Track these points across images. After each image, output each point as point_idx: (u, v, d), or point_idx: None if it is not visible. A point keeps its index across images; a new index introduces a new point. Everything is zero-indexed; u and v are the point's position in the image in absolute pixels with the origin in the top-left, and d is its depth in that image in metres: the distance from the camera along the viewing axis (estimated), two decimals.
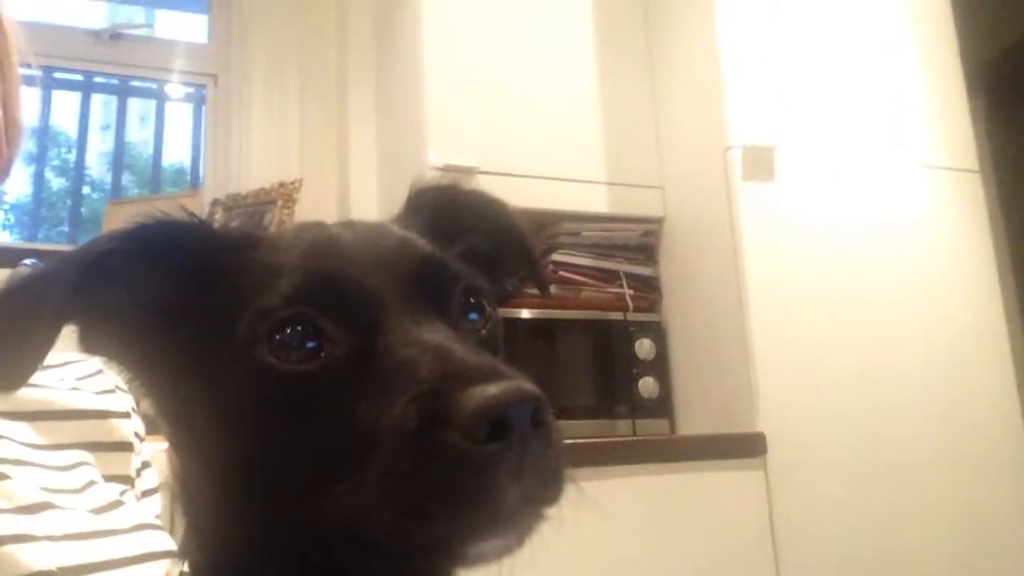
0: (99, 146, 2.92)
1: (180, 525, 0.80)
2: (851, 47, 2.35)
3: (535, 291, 0.72)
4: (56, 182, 2.88)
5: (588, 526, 1.82)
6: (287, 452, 0.45)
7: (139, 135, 2.97)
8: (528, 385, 0.42)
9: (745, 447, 1.97)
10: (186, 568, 0.55)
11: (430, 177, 0.64)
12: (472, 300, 0.54)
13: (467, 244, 0.60)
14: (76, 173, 2.83)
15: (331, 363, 0.46)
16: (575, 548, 1.74)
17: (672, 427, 2.29)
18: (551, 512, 0.45)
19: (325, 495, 0.43)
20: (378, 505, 0.41)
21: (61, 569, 0.65)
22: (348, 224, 0.55)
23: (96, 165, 2.93)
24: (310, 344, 0.46)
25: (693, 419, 2.26)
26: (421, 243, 0.54)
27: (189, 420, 0.51)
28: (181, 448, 0.54)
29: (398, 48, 2.45)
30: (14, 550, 0.63)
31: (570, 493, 0.46)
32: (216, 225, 0.57)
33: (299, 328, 0.46)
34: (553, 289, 2.27)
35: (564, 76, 2.36)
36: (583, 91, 2.37)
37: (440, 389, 0.42)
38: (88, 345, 0.52)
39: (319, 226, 0.54)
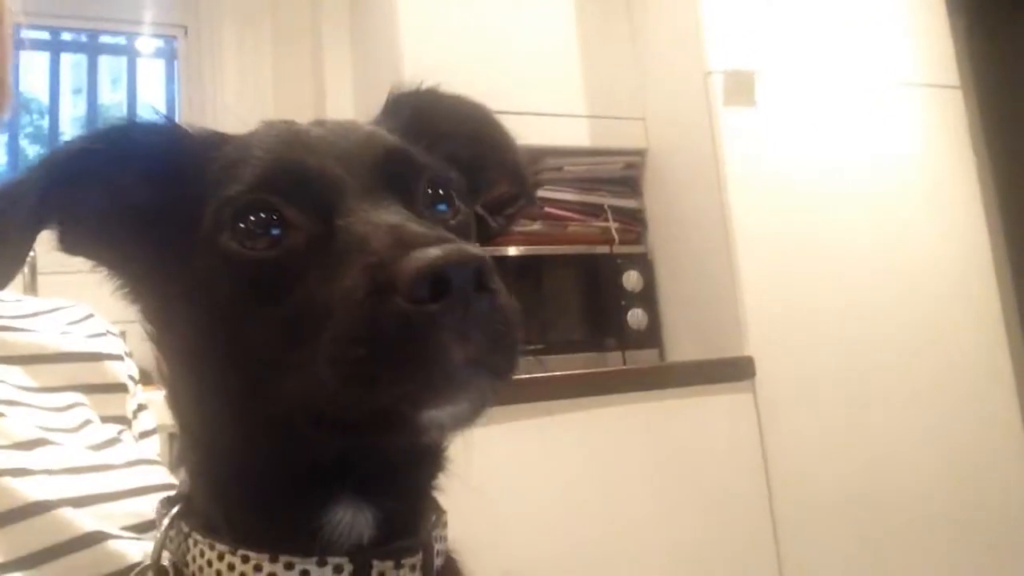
0: (72, 110, 2.87)
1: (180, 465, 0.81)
2: None
3: (519, 200, 0.71)
4: (31, 149, 2.84)
5: (582, 456, 1.85)
6: (254, 336, 0.46)
7: (112, 97, 2.92)
8: (471, 248, 0.41)
9: (734, 371, 1.98)
10: (183, 475, 0.56)
11: (409, 80, 0.61)
12: (440, 191, 0.53)
13: (447, 150, 0.59)
14: (51, 139, 2.79)
15: (292, 247, 0.47)
16: (569, 477, 1.77)
17: (662, 357, 2.30)
18: (505, 381, 0.45)
19: (287, 373, 0.44)
20: (328, 375, 0.42)
21: (60, 500, 0.65)
22: (318, 122, 0.55)
23: (70, 129, 2.89)
24: (273, 230, 0.47)
25: (682, 348, 2.28)
26: (387, 136, 0.54)
27: (168, 318, 0.52)
28: (164, 349, 0.54)
29: None
30: (11, 482, 0.63)
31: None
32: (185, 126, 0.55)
33: (261, 215, 0.47)
34: (538, 225, 2.27)
35: (541, 10, 2.32)
36: (561, 24, 2.34)
37: (388, 258, 0.42)
38: (67, 246, 0.52)
39: (287, 123, 0.54)
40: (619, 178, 2.40)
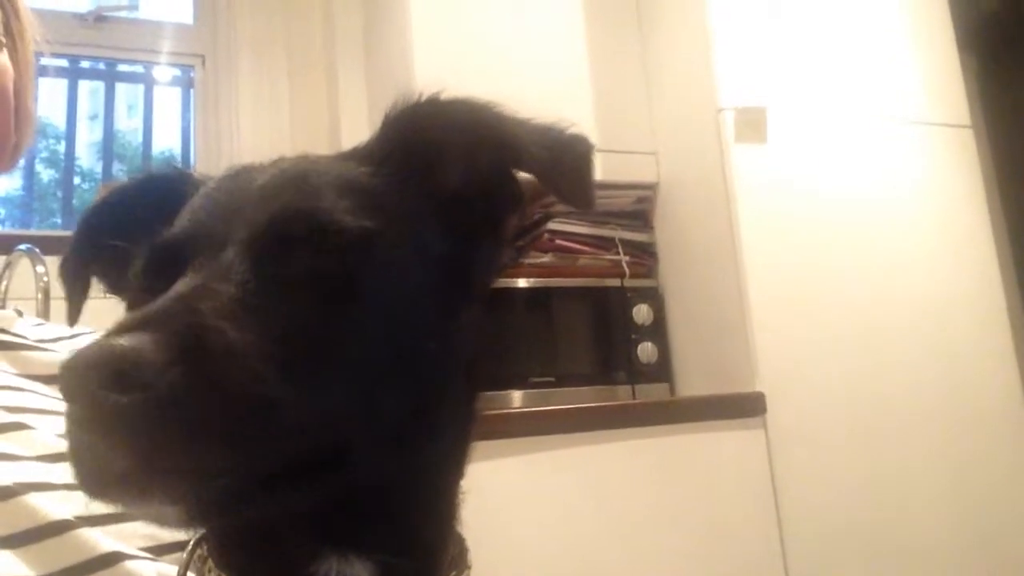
0: (88, 136, 2.90)
1: None
2: (840, 6, 2.34)
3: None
4: (46, 174, 2.87)
5: (592, 490, 1.83)
6: None
7: (128, 123, 2.95)
8: (110, 346, 0.38)
9: (745, 407, 1.97)
10: None
11: (407, 94, 0.54)
12: (314, 241, 0.46)
13: (461, 165, 0.53)
14: (66, 164, 2.81)
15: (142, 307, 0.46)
16: (578, 511, 1.76)
17: (672, 391, 2.29)
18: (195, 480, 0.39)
19: None
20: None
21: (79, 518, 0.65)
22: (276, 162, 0.54)
23: (86, 155, 2.91)
24: (156, 287, 0.47)
25: (693, 382, 2.27)
26: (270, 196, 0.49)
27: None
28: None
29: (386, 22, 2.43)
30: (31, 499, 0.63)
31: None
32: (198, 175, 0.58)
33: (146, 277, 0.49)
34: (549, 257, 2.27)
35: (553, 43, 2.34)
36: (573, 59, 2.36)
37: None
38: (113, 291, 0.58)
39: (234, 172, 0.54)
40: (630, 212, 2.40)
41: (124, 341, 0.38)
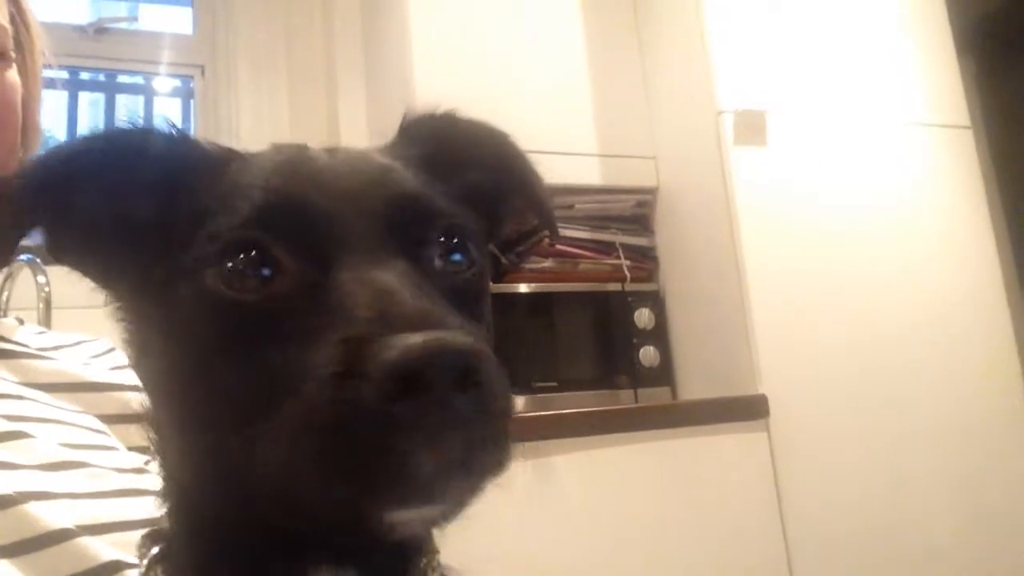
0: None
1: None
2: (838, 8, 2.35)
3: (536, 234, 0.67)
4: None
5: (595, 495, 1.84)
6: (223, 385, 0.42)
7: None
8: (459, 338, 0.37)
9: (747, 410, 1.97)
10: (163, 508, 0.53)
11: (425, 104, 0.57)
12: (455, 241, 0.49)
13: (466, 180, 0.55)
14: None
15: (277, 294, 0.43)
16: (580, 515, 1.75)
17: (674, 395, 2.29)
18: (490, 483, 0.41)
19: (248, 436, 0.40)
20: (285, 454, 0.38)
21: (80, 527, 0.65)
22: (331, 149, 0.51)
23: None
24: (263, 272, 0.43)
25: (695, 386, 2.27)
26: (404, 174, 0.49)
27: (145, 344, 0.50)
28: (142, 375, 0.52)
29: (386, 30, 2.44)
30: (32, 508, 0.63)
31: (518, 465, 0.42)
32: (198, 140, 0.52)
33: (250, 254, 0.43)
34: (550, 262, 2.27)
35: (552, 49, 2.35)
36: (572, 63, 2.37)
37: (368, 335, 0.37)
38: (54, 250, 0.50)
39: (298, 148, 0.50)
40: (630, 216, 2.41)
41: (462, 340, 0.37)
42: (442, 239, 0.48)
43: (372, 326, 0.38)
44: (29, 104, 0.83)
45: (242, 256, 0.43)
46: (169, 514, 0.51)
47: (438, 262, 0.47)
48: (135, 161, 0.48)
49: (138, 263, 0.48)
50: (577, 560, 1.73)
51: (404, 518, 0.39)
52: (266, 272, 0.43)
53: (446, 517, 0.42)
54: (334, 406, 0.37)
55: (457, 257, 0.49)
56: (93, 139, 0.49)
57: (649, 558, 1.80)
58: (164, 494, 0.52)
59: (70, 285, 0.52)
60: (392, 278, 0.42)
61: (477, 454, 0.38)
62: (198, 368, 0.44)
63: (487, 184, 0.57)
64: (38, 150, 0.87)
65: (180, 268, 0.44)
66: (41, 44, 0.86)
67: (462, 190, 0.53)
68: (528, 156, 0.59)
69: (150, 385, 0.50)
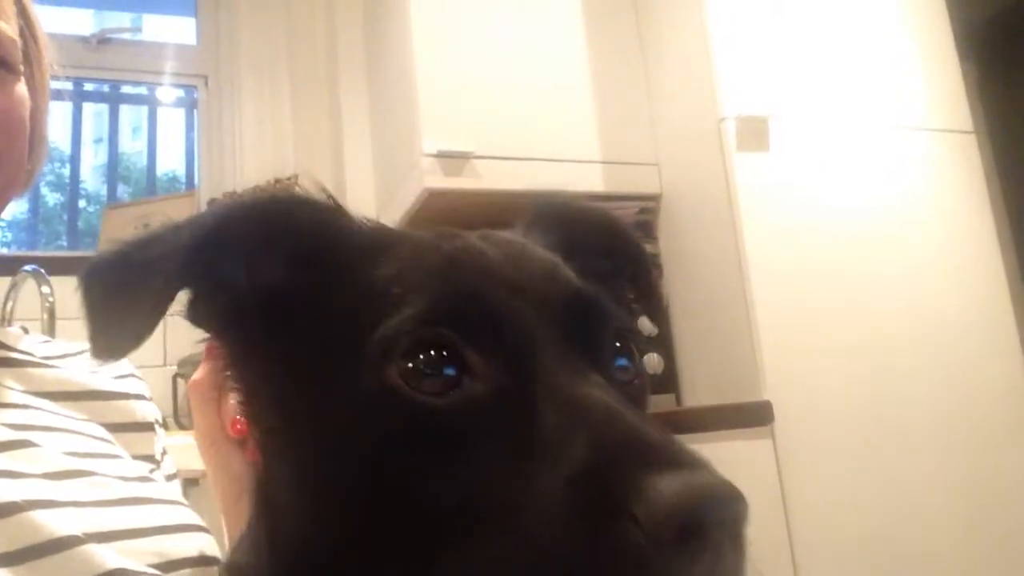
0: (93, 159, 2.92)
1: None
2: (840, 14, 2.35)
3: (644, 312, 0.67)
4: (52, 197, 2.89)
5: None
6: (401, 490, 0.39)
7: (132, 146, 2.97)
8: (731, 484, 0.34)
9: (752, 416, 1.96)
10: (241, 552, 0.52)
11: (549, 192, 0.58)
12: (621, 344, 0.47)
13: (588, 263, 0.53)
14: (71, 187, 2.83)
15: (471, 399, 0.39)
16: None
17: (678, 401, 2.29)
18: None
19: (437, 555, 0.37)
20: None
21: (86, 535, 0.65)
22: (486, 236, 0.48)
23: (91, 178, 2.93)
24: (448, 371, 0.40)
25: (699, 392, 2.26)
26: (571, 273, 0.47)
27: (289, 423, 0.46)
28: (270, 448, 0.49)
29: (388, 37, 2.45)
30: (37, 515, 0.63)
31: None
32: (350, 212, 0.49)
33: (438, 352, 0.40)
34: None
35: (554, 57, 2.36)
36: (574, 71, 2.37)
37: (613, 467, 0.34)
38: (195, 315, 0.48)
39: (459, 235, 0.48)
40: (634, 223, 2.40)
41: (733, 485, 0.34)
42: (612, 342, 0.46)
43: (614, 458, 0.35)
44: (37, 117, 0.83)
45: (426, 354, 0.40)
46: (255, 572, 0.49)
47: (608, 367, 0.45)
48: (284, 231, 0.47)
49: (284, 341, 0.46)
50: None
51: None
52: (450, 372, 0.40)
53: None
54: (594, 548, 0.33)
55: (624, 362, 0.47)
56: (246, 206, 0.47)
57: None
58: (254, 557, 0.50)
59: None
60: (602, 394, 0.39)
61: None
62: (372, 469, 0.40)
63: (602, 266, 0.56)
64: (45, 162, 0.87)
65: (349, 359, 0.41)
66: (49, 57, 0.87)
67: (584, 272, 0.51)
68: (643, 244, 0.62)
69: (287, 466, 0.46)
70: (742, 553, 0.36)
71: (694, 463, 0.34)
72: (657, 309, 0.59)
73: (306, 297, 0.45)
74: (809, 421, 2.00)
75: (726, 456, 1.58)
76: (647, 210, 2.40)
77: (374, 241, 0.47)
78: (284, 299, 0.46)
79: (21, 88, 0.80)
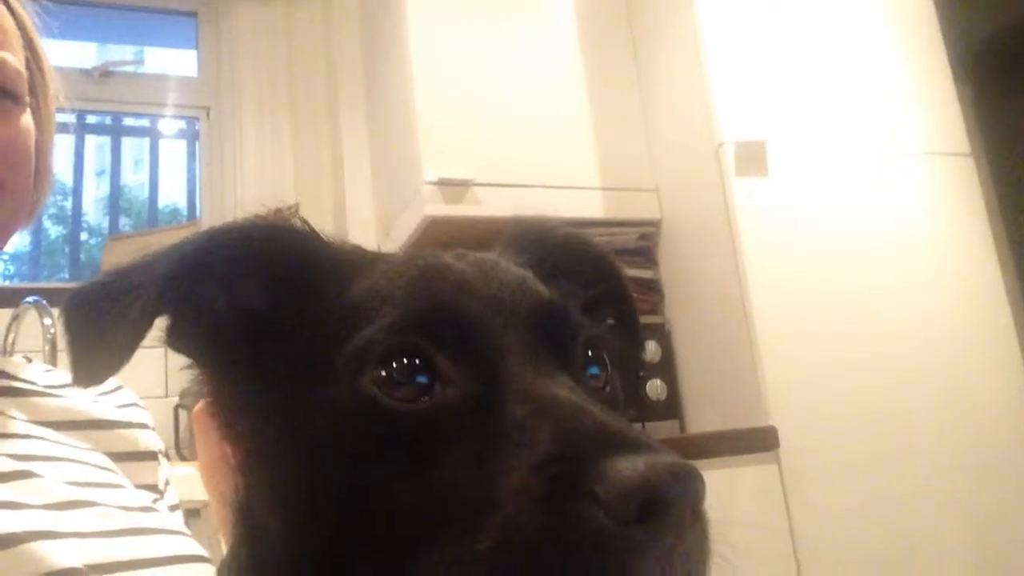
0: (95, 192, 2.93)
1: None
2: (836, 39, 2.37)
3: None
4: (54, 230, 2.89)
5: None
6: (379, 499, 0.40)
7: (134, 178, 2.98)
8: (690, 464, 0.35)
9: (757, 442, 1.95)
10: None
11: (531, 216, 0.59)
12: (592, 353, 0.48)
13: (567, 288, 0.55)
14: (73, 219, 2.84)
15: (442, 404, 0.41)
16: None
17: (682, 428, 2.27)
18: None
19: (417, 557, 0.38)
20: None
21: (88, 567, 0.64)
22: (460, 255, 0.50)
23: (93, 211, 2.94)
24: (420, 379, 0.41)
25: (703, 418, 2.25)
26: (541, 285, 0.49)
27: (266, 444, 0.47)
28: (249, 470, 0.50)
29: (386, 68, 2.47)
30: (39, 547, 0.63)
31: None
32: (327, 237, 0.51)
33: (410, 360, 0.41)
34: None
35: (552, 85, 2.37)
36: (572, 99, 2.39)
37: (576, 453, 0.35)
38: (175, 340, 0.49)
39: (432, 254, 0.49)
40: (634, 249, 2.41)
41: (691, 464, 0.35)
42: (582, 351, 0.48)
43: (576, 445, 0.36)
44: (42, 148, 0.84)
45: (399, 363, 0.41)
46: None
47: (579, 375, 0.46)
48: (263, 256, 0.48)
49: (263, 362, 0.47)
50: None
51: None
52: (422, 379, 0.41)
53: None
54: (557, 530, 0.34)
55: (595, 371, 0.48)
56: (223, 233, 0.48)
57: None
58: (236, 567, 0.51)
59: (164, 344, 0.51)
60: (568, 392, 0.41)
61: None
62: (350, 477, 0.41)
63: (583, 294, 0.57)
64: (50, 193, 0.88)
65: (324, 372, 0.43)
66: (56, 89, 0.87)
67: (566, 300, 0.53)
68: (625, 275, 0.61)
69: (266, 484, 0.47)
70: (703, 530, 0.37)
71: (653, 446, 0.35)
72: (638, 337, 0.58)
73: (284, 319, 0.46)
74: (814, 446, 1.99)
75: (732, 483, 1.57)
76: (647, 236, 2.41)
77: (350, 262, 0.48)
78: (263, 323, 0.47)
79: (27, 119, 0.80)
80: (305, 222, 0.50)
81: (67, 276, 2.81)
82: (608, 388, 0.49)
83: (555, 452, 0.36)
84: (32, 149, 0.81)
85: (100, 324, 0.44)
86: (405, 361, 0.41)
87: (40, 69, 0.85)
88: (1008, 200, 2.87)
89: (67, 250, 2.87)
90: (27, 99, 0.81)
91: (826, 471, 1.99)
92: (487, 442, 0.38)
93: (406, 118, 2.28)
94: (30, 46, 0.83)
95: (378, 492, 0.40)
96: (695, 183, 2.27)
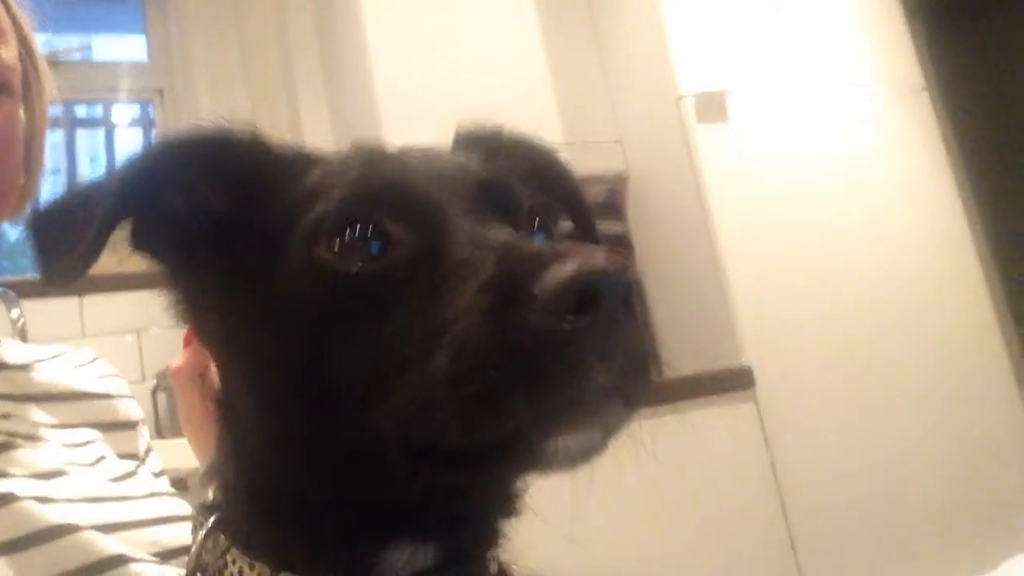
0: (50, 190, 2.88)
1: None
2: None
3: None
4: (12, 232, 2.84)
5: (584, 479, 1.82)
6: (348, 356, 0.43)
7: (90, 175, 2.93)
8: (619, 259, 0.37)
9: (733, 381, 1.99)
10: (217, 488, 0.54)
11: (475, 118, 0.60)
12: (539, 220, 0.51)
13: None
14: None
15: (395, 263, 0.43)
16: (570, 502, 1.75)
17: (658, 373, 2.30)
18: (636, 408, 0.40)
19: (387, 394, 0.40)
20: (445, 398, 0.38)
21: (85, 524, 0.65)
22: (404, 149, 0.52)
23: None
24: (373, 245, 0.44)
25: (680, 366, 2.27)
26: (481, 164, 0.52)
27: (237, 332, 0.50)
28: (226, 365, 0.52)
29: (342, 36, 2.44)
30: (34, 505, 0.63)
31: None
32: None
33: (362, 228, 0.44)
34: None
35: (510, 44, 2.36)
36: (531, 56, 2.37)
37: (514, 271, 0.38)
38: (138, 242, 0.51)
39: (377, 144, 0.52)
40: (602, 204, 2.42)
41: (624, 262, 0.37)
42: (528, 218, 0.50)
43: (515, 266, 0.38)
44: (34, 141, 0.85)
45: (352, 231, 0.44)
46: (230, 489, 0.52)
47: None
48: (214, 162, 0.50)
49: (224, 256, 0.49)
50: (568, 547, 1.72)
51: (567, 445, 0.39)
52: (375, 244, 0.44)
53: (602, 445, 0.41)
54: (503, 334, 0.36)
55: (542, 237, 0.51)
56: (174, 142, 0.51)
57: (647, 543, 1.80)
58: (219, 471, 0.53)
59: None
60: (507, 235, 0.43)
61: (632, 376, 0.38)
62: (321, 342, 0.44)
63: (536, 192, 0.58)
64: (40, 185, 0.88)
65: (282, 254, 0.45)
66: (49, 85, 0.88)
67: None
68: (572, 169, 0.63)
69: (244, 371, 0.50)
70: (635, 317, 0.38)
71: (580, 254, 0.37)
72: (592, 230, 0.60)
73: (241, 216, 0.49)
74: (790, 384, 2.03)
75: (711, 423, 1.58)
76: (614, 192, 2.42)
77: (297, 159, 0.50)
78: (221, 223, 0.49)
79: (15, 109, 0.81)
80: (252, 127, 0.51)
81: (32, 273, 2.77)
82: None
83: (496, 273, 0.39)
84: (18, 139, 0.81)
85: (66, 231, 0.47)
86: (358, 228, 0.44)
87: (34, 64, 0.85)
88: (964, 131, 2.91)
89: (28, 251, 2.83)
90: (19, 92, 0.81)
91: (804, 406, 2.03)
92: (438, 284, 0.41)
93: (364, 87, 2.26)
94: (24, 42, 0.83)
95: (345, 350, 0.43)
96: (658, 135, 2.29)
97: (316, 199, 0.45)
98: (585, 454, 0.40)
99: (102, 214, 0.46)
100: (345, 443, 0.44)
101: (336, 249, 0.44)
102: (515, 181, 0.51)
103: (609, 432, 0.41)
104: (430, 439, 0.40)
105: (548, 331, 0.36)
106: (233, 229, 0.49)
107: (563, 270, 0.36)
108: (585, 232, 0.63)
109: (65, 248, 0.46)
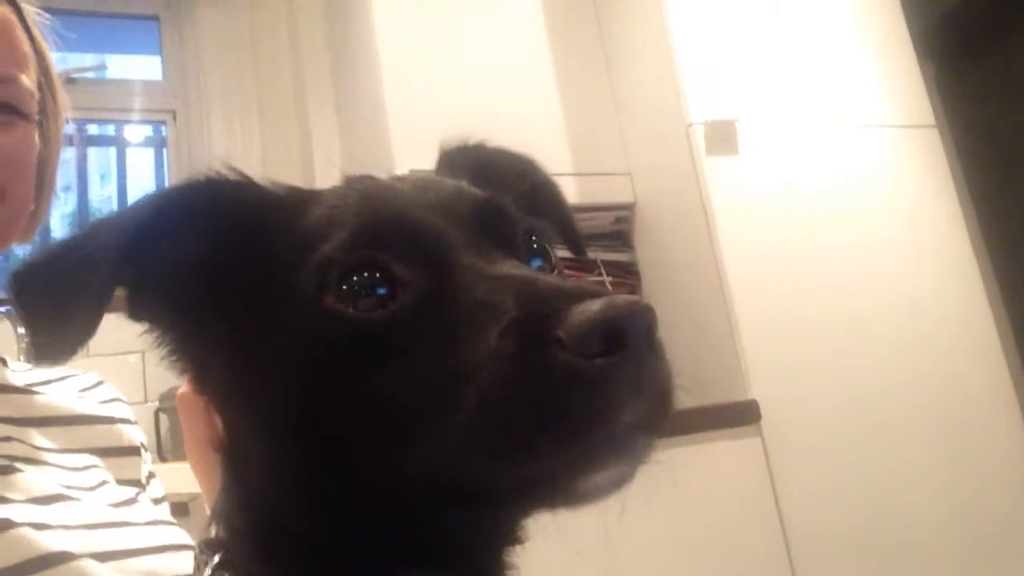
0: (61, 208, 2.89)
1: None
2: (800, 17, 2.40)
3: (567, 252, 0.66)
4: (21, 252, 2.85)
5: (586, 513, 1.81)
6: (363, 403, 0.42)
7: (101, 193, 2.95)
8: (639, 299, 0.38)
9: (739, 416, 1.97)
10: (221, 528, 0.53)
11: (458, 136, 0.61)
12: (535, 244, 0.51)
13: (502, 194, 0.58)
14: (42, 237, 2.79)
15: (405, 306, 0.43)
16: (575, 537, 1.73)
17: None
18: (658, 441, 0.41)
19: (408, 444, 0.40)
20: (474, 442, 0.38)
21: (81, 553, 0.64)
22: (397, 177, 0.52)
23: (60, 228, 2.90)
24: (380, 290, 0.43)
25: (686, 398, 2.26)
26: (475, 189, 0.52)
27: (245, 385, 0.48)
28: (230, 415, 0.51)
29: (354, 63, 2.46)
30: (30, 532, 0.63)
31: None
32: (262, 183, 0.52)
33: (367, 274, 0.43)
34: None
35: (521, 72, 2.38)
36: (541, 85, 2.39)
37: (536, 313, 0.38)
38: (135, 310, 0.49)
39: (369, 178, 0.51)
40: (610, 232, 2.42)
41: (644, 301, 0.38)
42: (524, 243, 0.50)
43: (535, 307, 0.38)
44: (48, 167, 0.86)
45: (357, 277, 0.43)
46: (234, 530, 0.51)
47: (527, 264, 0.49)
48: (203, 212, 0.49)
49: (224, 309, 0.48)
50: None
51: (595, 482, 0.40)
52: (382, 289, 0.43)
53: (628, 479, 0.42)
54: (531, 376, 0.37)
55: (538, 262, 0.51)
56: (160, 197, 0.49)
57: (648, 574, 1.78)
58: (225, 512, 0.52)
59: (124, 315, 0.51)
60: (518, 269, 0.44)
61: (656, 410, 0.39)
62: (334, 391, 0.43)
63: (521, 208, 0.58)
64: (50, 209, 0.89)
65: (287, 303, 0.44)
66: (65, 110, 0.89)
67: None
68: (558, 184, 0.64)
69: (251, 420, 0.49)
70: (662, 358, 0.40)
71: (598, 294, 0.38)
72: (581, 247, 0.61)
73: (239, 264, 0.47)
74: (796, 418, 2.01)
75: (716, 457, 1.57)
76: (622, 219, 2.42)
77: (290, 200, 0.49)
78: (220, 273, 0.48)
79: (31, 134, 0.82)
80: (239, 171, 0.51)
81: None
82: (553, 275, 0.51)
83: (518, 315, 0.39)
84: (34, 161, 0.82)
85: (61, 296, 0.43)
86: (365, 275, 0.43)
87: (51, 91, 0.87)
88: (973, 168, 2.92)
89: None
90: (36, 117, 0.82)
91: (809, 441, 2.01)
92: (454, 327, 0.40)
93: (376, 113, 2.27)
94: (45, 70, 0.85)
95: (359, 399, 0.42)
96: (667, 165, 2.29)
97: (316, 243, 0.45)
98: (612, 488, 0.41)
99: (100, 279, 0.43)
100: (363, 490, 0.44)
101: (344, 296, 0.43)
102: (509, 203, 0.51)
103: (636, 464, 0.42)
104: (459, 484, 0.40)
105: (577, 375, 0.36)
106: (233, 280, 0.47)
107: (589, 310, 0.36)
108: (570, 241, 0.64)
109: (59, 322, 0.43)
